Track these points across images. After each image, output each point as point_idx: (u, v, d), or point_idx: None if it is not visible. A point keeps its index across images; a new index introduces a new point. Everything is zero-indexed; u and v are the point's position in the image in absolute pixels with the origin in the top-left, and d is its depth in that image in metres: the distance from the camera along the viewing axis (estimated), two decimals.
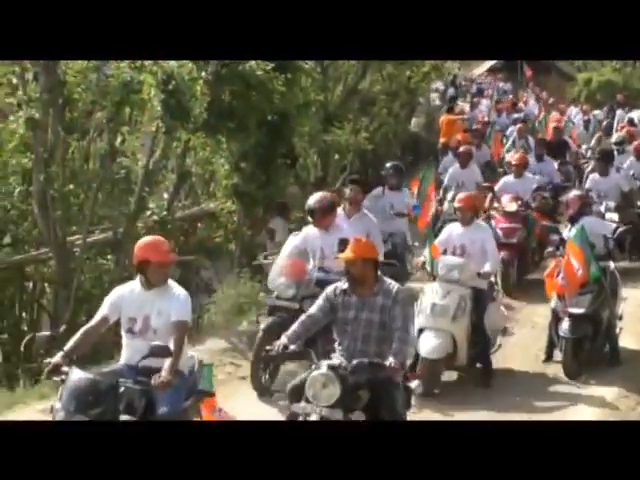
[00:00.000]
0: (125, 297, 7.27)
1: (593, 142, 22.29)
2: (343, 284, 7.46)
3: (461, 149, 17.43)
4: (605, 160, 15.85)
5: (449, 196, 16.14)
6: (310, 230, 10.64)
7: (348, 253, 7.41)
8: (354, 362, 6.93)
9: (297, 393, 6.94)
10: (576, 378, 10.54)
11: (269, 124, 15.20)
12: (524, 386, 10.57)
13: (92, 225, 14.88)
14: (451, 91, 33.00)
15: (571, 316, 10.62)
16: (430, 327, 10.37)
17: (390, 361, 6.86)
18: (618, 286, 11.38)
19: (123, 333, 7.27)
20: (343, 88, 21.50)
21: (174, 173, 16.40)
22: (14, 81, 14.76)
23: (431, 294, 10.56)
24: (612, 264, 11.37)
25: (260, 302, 12.45)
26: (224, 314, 13.16)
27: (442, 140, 22.54)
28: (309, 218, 10.69)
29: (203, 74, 14.10)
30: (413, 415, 8.79)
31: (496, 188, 15.68)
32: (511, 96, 35.35)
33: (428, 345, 10.23)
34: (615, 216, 14.30)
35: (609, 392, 10.12)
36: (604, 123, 25.92)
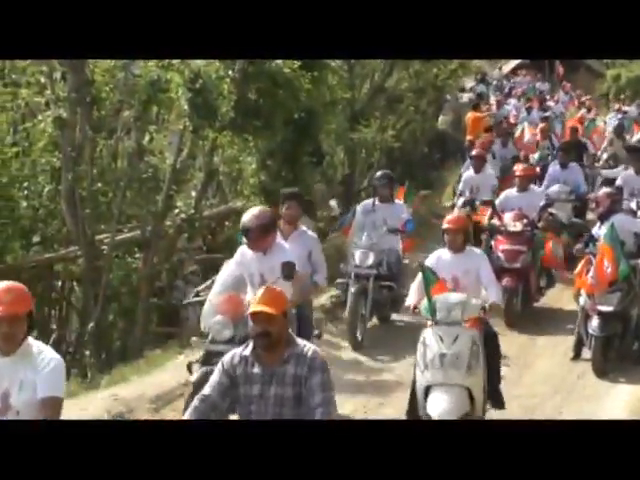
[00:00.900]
0: None
1: (605, 143, 21.18)
2: (243, 349, 5.87)
3: (474, 152, 16.34)
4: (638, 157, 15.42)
5: (460, 202, 15.24)
6: (246, 253, 8.79)
7: (262, 306, 5.70)
8: None
9: None
10: (605, 376, 10.49)
11: (296, 122, 15.21)
12: (552, 384, 10.53)
13: (120, 223, 14.97)
14: (480, 87, 32.85)
15: (600, 314, 10.57)
16: (442, 383, 8.37)
17: None
18: None
19: None
20: (370, 86, 21.50)
21: (201, 171, 16.46)
22: (42, 80, 14.88)
23: (435, 342, 8.44)
24: None
25: None
26: None
27: (468, 138, 22.42)
28: (244, 239, 8.75)
29: (230, 72, 14.11)
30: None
31: (497, 202, 13.88)
32: (543, 94, 34.96)
33: (441, 407, 8.24)
34: None
35: (637, 390, 10.05)
36: (615, 124, 24.13)
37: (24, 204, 14.87)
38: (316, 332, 9.79)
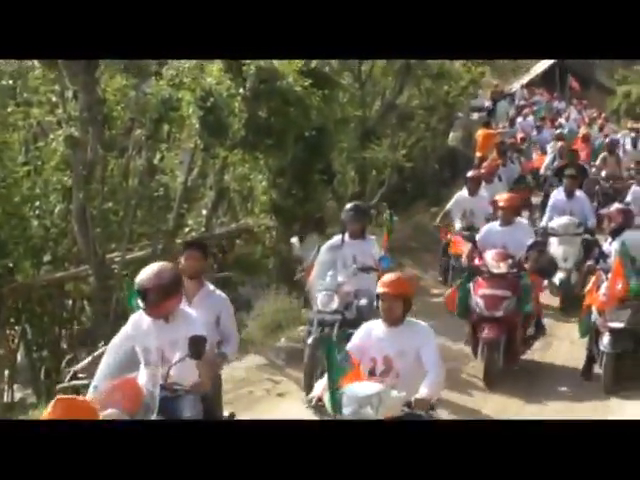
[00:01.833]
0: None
1: (598, 162, 20.75)
2: None
3: (469, 174, 15.32)
4: None
5: (458, 226, 14.59)
6: (141, 321, 7.04)
7: None
8: None
9: None
10: (616, 393, 10.44)
11: (307, 140, 15.23)
12: (563, 401, 10.49)
13: (131, 242, 15.00)
14: (501, 104, 32.57)
15: (611, 330, 10.54)
16: None
17: None
18: None
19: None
20: (381, 103, 21.52)
21: (212, 190, 16.48)
22: (54, 99, 14.94)
23: None
24: None
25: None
26: (262, 330, 13.17)
27: (478, 154, 22.42)
28: (139, 302, 6.93)
29: (241, 90, 14.16)
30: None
31: (478, 238, 12.11)
32: (560, 112, 34.60)
33: None
34: None
35: None
36: (607, 141, 23.56)
37: (35, 223, 14.90)
38: (226, 415, 7.79)
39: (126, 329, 7.11)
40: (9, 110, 15.32)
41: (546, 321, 12.25)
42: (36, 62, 14.52)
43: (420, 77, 21.65)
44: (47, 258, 15.20)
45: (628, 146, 23.92)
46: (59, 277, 14.69)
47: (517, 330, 11.09)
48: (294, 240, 12.83)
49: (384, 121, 21.31)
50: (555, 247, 13.89)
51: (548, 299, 13.54)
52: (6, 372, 14.00)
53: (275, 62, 14.18)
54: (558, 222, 14.11)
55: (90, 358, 7.49)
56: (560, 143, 21.05)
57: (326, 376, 6.66)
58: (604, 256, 11.19)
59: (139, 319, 7.04)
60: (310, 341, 10.26)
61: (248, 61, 13.89)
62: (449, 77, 22.81)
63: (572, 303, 13.13)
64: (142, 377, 6.68)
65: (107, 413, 6.01)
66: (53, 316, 14.58)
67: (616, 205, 12.78)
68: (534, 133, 26.88)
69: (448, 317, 11.81)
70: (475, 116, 29.16)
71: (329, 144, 16.21)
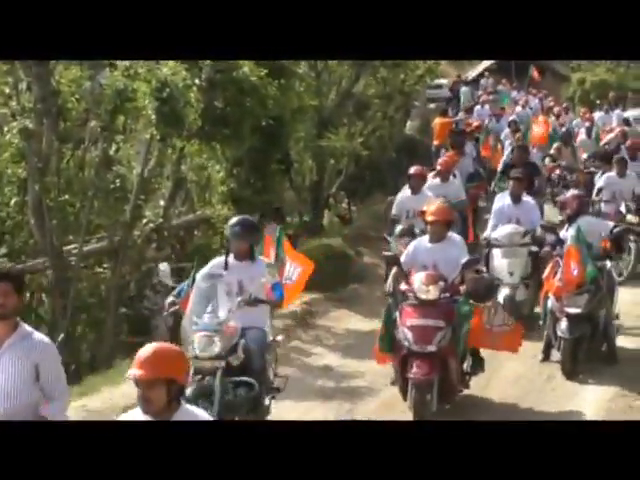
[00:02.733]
0: None
1: (553, 152, 20.17)
2: None
3: (412, 170, 13.76)
4: (624, 160, 15.59)
5: (397, 230, 12.92)
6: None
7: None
8: None
9: None
10: (574, 378, 10.54)
11: (263, 130, 15.22)
12: (522, 387, 10.57)
13: (88, 234, 14.92)
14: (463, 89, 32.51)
15: (568, 316, 10.62)
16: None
17: None
18: (614, 285, 11.38)
19: None
20: (337, 92, 21.53)
21: (169, 180, 16.44)
22: (8, 91, 14.80)
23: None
24: (609, 263, 11.37)
25: None
26: None
27: (435, 143, 22.48)
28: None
29: (197, 81, 14.11)
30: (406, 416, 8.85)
31: (403, 258, 10.06)
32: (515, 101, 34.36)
33: None
34: (635, 218, 14.34)
35: (607, 391, 10.11)
36: (563, 131, 22.97)
37: None
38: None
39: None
40: None
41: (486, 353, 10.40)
42: None
43: (376, 66, 21.68)
44: (3, 251, 15.08)
45: (583, 136, 23.53)
46: None
47: (453, 367, 9.23)
48: (163, 267, 10.73)
49: (341, 110, 21.34)
50: (499, 260, 12.15)
51: None
52: None
53: None
54: (501, 232, 12.35)
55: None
56: (517, 134, 20.60)
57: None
58: (561, 242, 11.27)
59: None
60: (188, 392, 7.56)
61: None
62: (405, 66, 22.85)
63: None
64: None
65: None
66: None
67: (572, 191, 12.85)
68: (491, 121, 26.46)
69: None
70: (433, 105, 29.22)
71: (286, 134, 16.21)
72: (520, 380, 10.84)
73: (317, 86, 20.06)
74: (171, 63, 13.87)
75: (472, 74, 42.72)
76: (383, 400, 10.08)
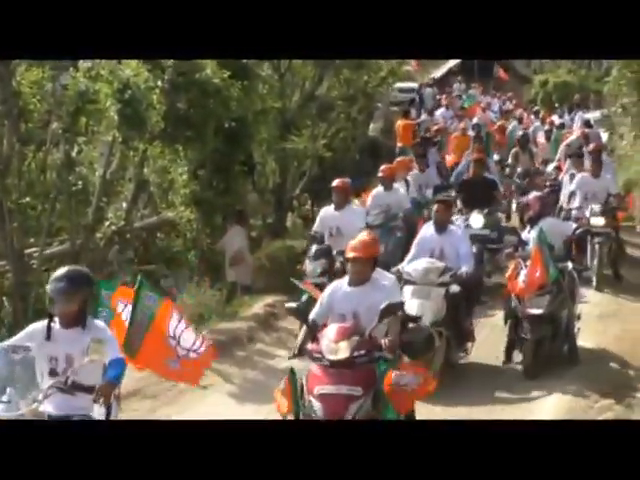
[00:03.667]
0: None
1: (510, 159, 19.23)
2: None
3: (334, 183, 12.25)
4: (600, 160, 14.87)
5: (313, 249, 11.76)
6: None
7: None
8: None
9: None
10: (536, 378, 10.58)
11: (226, 131, 15.20)
12: (484, 387, 10.60)
13: (50, 237, 14.81)
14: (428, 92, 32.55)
15: (530, 317, 10.68)
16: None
17: None
18: (576, 286, 11.46)
19: None
20: (300, 94, 21.53)
21: (132, 182, 16.36)
22: None
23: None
24: (570, 265, 11.44)
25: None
26: None
27: (399, 145, 22.54)
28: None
29: (159, 83, 14.07)
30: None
31: (316, 310, 7.83)
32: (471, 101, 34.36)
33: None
34: (601, 220, 14.15)
35: (568, 391, 10.16)
36: (520, 134, 21.39)
37: None
38: None
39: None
40: None
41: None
42: None
43: (339, 67, 21.70)
44: None
45: (541, 139, 23.05)
46: None
47: None
48: None
49: (304, 112, 21.33)
50: (408, 300, 9.84)
51: None
52: None
53: None
54: (415, 265, 10.54)
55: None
56: (476, 145, 18.66)
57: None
58: (523, 244, 11.33)
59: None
60: None
61: None
62: (368, 67, 22.88)
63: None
64: None
65: None
66: None
67: (534, 193, 12.92)
68: (453, 123, 26.42)
69: None
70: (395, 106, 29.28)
71: (249, 135, 16.20)
72: (482, 381, 10.87)
73: (280, 88, 20.04)
74: (133, 64, 13.81)
75: (436, 75, 42.88)
76: None
